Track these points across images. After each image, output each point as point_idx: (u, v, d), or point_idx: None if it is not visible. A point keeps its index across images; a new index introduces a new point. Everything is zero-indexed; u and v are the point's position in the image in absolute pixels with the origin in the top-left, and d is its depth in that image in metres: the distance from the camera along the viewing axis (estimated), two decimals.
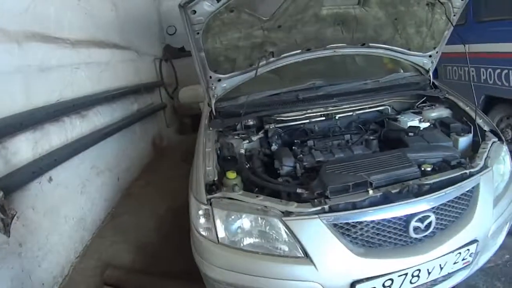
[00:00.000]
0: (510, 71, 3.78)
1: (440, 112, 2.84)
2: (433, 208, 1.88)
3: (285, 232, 1.84)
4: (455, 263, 1.99)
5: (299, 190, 1.97)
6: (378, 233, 1.84)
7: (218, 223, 1.92)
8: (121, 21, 5.23)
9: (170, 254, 3.15)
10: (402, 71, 3.26)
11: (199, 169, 2.15)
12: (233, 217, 1.92)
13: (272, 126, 2.67)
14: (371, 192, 1.86)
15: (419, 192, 1.90)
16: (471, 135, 2.52)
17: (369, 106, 2.82)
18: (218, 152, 2.36)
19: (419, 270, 1.88)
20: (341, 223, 1.81)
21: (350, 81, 2.89)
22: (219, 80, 2.63)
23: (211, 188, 2.00)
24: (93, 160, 3.73)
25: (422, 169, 2.06)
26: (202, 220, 1.98)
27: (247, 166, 2.28)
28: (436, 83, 3.03)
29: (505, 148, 2.42)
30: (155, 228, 3.64)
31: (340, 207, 1.83)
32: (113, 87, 4.47)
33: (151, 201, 4.21)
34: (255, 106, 2.66)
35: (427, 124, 2.69)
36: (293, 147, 2.48)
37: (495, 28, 3.94)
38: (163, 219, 3.78)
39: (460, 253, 1.97)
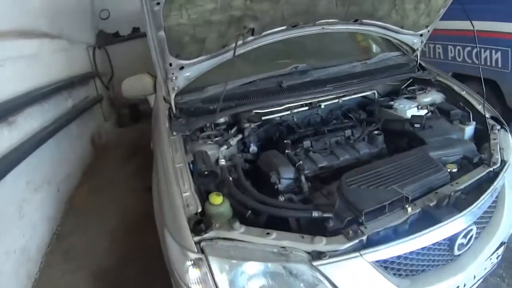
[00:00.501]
0: (482, 49, 3.65)
1: (433, 96, 2.60)
2: (476, 219, 1.62)
3: (317, 279, 1.40)
4: (485, 269, 1.83)
5: (315, 214, 1.55)
6: (423, 259, 1.53)
7: (218, 276, 1.39)
8: (50, 7, 4.45)
9: (135, 279, 2.68)
10: (374, 49, 3.00)
11: (174, 197, 1.61)
12: (238, 267, 1.42)
13: (254, 125, 2.23)
14: (409, 209, 1.53)
15: (457, 202, 1.62)
16: (474, 123, 2.31)
17: (354, 92, 2.48)
18: (191, 166, 1.84)
19: (458, 286, 1.65)
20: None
21: (336, 64, 2.53)
22: (182, 68, 2.05)
23: (198, 226, 1.47)
24: (28, 174, 3.07)
25: (448, 170, 1.80)
26: (192, 274, 1.42)
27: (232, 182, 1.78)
28: (423, 63, 2.78)
29: (510, 136, 2.25)
30: (111, 248, 3.10)
31: (380, 235, 1.46)
32: (44, 83, 3.75)
33: (98, 214, 3.63)
34: (228, 99, 2.16)
35: (425, 112, 2.43)
36: (286, 151, 2.03)
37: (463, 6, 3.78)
38: (117, 237, 3.24)
39: (491, 258, 1.81)
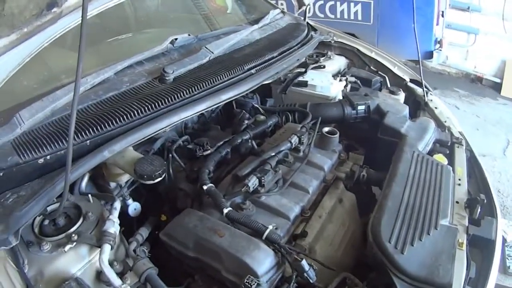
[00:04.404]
0: (338, 2, 3.33)
1: (339, 62, 2.08)
2: None
3: None
4: None
5: None
6: None
7: None
8: None
9: None
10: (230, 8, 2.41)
11: None
12: None
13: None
14: (464, 243, 1.11)
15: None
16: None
17: (284, 71, 1.67)
18: None
19: None
20: None
21: (224, 32, 1.74)
22: None
23: None
24: None
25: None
26: None
27: None
28: (310, 22, 2.22)
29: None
30: None
31: None
32: None
33: None
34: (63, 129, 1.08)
35: (343, 84, 1.88)
36: (225, 211, 1.10)
37: None
38: None
39: None
